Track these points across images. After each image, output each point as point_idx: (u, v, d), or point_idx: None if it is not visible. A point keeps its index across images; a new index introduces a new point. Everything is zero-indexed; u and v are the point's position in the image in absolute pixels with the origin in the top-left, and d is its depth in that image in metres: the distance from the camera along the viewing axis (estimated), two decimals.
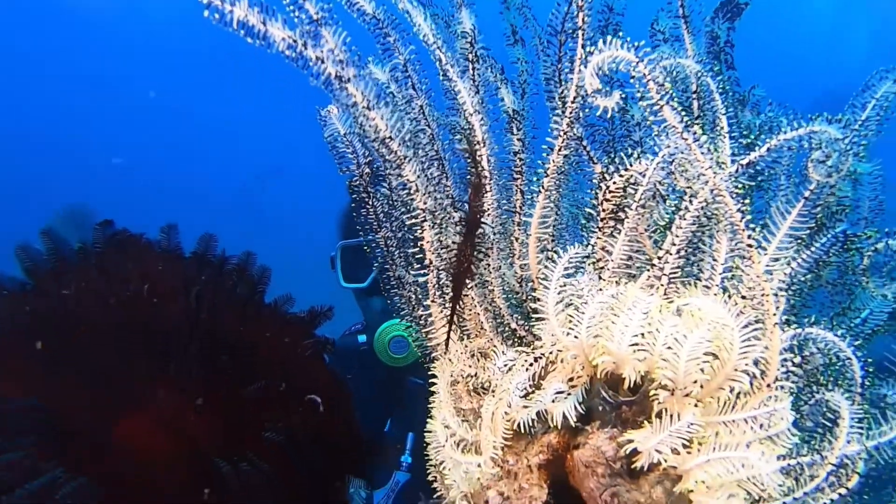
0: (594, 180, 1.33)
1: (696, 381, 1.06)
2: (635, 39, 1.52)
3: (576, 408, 1.16)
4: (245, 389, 1.38)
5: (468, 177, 1.33)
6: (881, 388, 1.21)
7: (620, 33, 1.60)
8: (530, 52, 1.52)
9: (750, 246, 1.12)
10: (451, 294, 1.38)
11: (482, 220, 1.30)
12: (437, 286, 1.35)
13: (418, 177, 1.28)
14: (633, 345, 1.09)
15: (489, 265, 1.39)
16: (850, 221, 1.48)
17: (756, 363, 1.11)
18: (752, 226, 1.13)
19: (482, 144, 1.37)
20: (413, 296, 1.46)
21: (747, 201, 1.40)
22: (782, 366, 1.18)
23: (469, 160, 1.34)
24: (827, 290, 1.38)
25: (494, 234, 1.41)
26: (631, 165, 1.21)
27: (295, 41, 1.13)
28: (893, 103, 1.28)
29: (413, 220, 1.30)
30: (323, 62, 1.15)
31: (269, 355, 1.50)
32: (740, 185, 1.16)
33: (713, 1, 1.64)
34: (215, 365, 1.38)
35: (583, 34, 1.33)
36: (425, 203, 1.29)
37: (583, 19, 1.33)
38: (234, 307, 1.55)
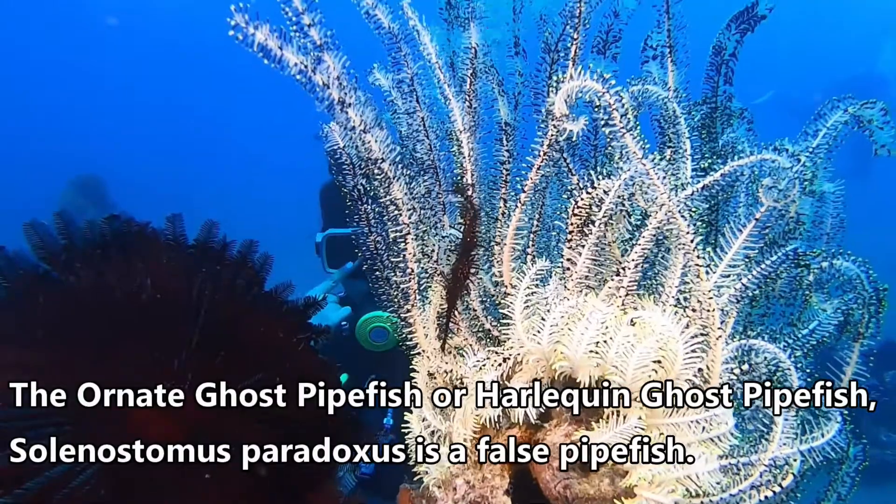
0: (565, 195, 1.43)
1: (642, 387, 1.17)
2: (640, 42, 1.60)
3: (536, 406, 1.28)
4: (241, 380, 1.50)
5: (462, 208, 1.44)
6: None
7: (619, 42, 1.68)
8: (532, 63, 1.60)
9: (698, 265, 1.22)
10: (446, 306, 1.49)
11: (476, 242, 1.41)
12: (417, 291, 1.46)
13: (405, 194, 1.39)
14: (588, 352, 1.20)
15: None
16: (814, 237, 1.59)
17: (700, 371, 1.22)
18: (701, 246, 1.23)
19: (468, 159, 1.48)
20: (399, 296, 1.57)
21: (705, 219, 1.50)
22: (730, 374, 1.29)
23: (460, 191, 1.44)
24: (780, 303, 1.48)
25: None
26: (597, 184, 1.31)
27: (305, 66, 1.23)
28: (842, 132, 1.37)
29: (396, 234, 1.41)
30: (328, 87, 1.26)
31: (265, 346, 1.62)
32: (695, 208, 1.26)
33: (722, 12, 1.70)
34: (214, 357, 1.49)
35: (573, 63, 1.42)
36: (410, 217, 1.40)
37: (575, 50, 1.43)
38: (233, 299, 1.67)
